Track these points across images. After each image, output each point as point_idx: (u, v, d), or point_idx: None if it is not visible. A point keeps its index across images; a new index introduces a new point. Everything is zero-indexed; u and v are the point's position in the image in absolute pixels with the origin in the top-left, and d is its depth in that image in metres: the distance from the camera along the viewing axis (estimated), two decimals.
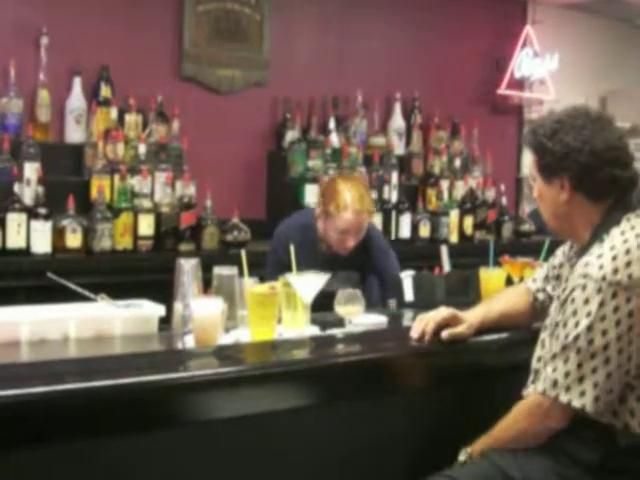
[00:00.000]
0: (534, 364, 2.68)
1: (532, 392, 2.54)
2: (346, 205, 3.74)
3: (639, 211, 2.57)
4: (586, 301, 2.39)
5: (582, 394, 2.40)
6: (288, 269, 3.05)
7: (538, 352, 2.68)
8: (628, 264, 2.39)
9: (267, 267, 3.77)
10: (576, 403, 2.40)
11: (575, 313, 2.41)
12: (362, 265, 3.98)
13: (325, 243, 3.89)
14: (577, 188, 2.55)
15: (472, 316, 2.87)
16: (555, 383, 2.43)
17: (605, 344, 2.37)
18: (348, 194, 3.76)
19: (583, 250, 2.56)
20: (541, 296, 2.93)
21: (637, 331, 2.38)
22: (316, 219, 3.92)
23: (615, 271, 2.38)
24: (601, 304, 2.37)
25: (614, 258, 2.41)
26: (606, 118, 2.60)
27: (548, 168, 2.57)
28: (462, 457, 2.59)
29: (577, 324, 2.40)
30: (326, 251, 3.89)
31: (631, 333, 2.38)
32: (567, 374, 2.41)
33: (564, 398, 2.42)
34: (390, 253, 4.15)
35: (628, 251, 2.42)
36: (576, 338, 2.39)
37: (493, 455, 2.55)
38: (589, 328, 2.38)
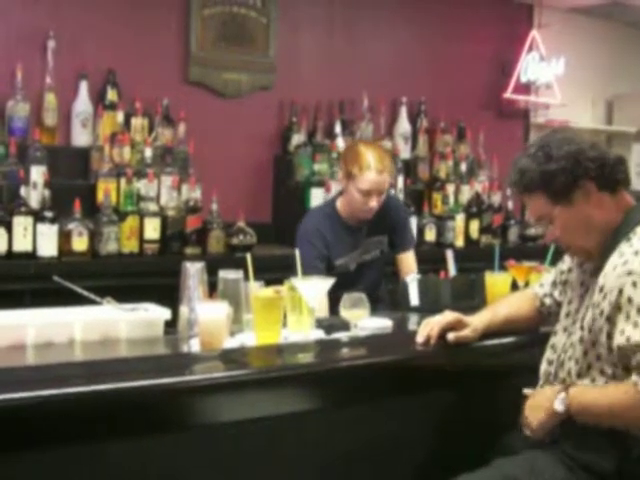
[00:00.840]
0: (544, 367, 2.68)
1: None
2: (369, 165, 3.84)
3: None
4: None
5: None
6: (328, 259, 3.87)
7: (548, 355, 2.68)
8: None
9: (304, 267, 3.57)
10: None
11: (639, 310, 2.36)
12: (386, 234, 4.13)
13: (349, 215, 4.00)
14: (600, 185, 2.51)
15: (477, 320, 2.87)
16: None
17: None
18: (370, 155, 3.86)
19: (606, 252, 2.51)
20: (548, 301, 2.91)
21: None
22: (335, 201, 4.10)
23: None
24: None
25: None
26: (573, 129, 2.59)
27: (564, 188, 2.51)
28: (559, 407, 2.47)
29: None
30: (353, 225, 4.02)
31: None
32: None
33: None
34: (409, 228, 4.43)
35: None
36: None
37: (507, 465, 2.52)
38: None
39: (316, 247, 3.91)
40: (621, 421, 2.42)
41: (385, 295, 4.14)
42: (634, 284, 2.36)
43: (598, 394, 2.48)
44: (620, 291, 2.39)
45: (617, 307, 2.40)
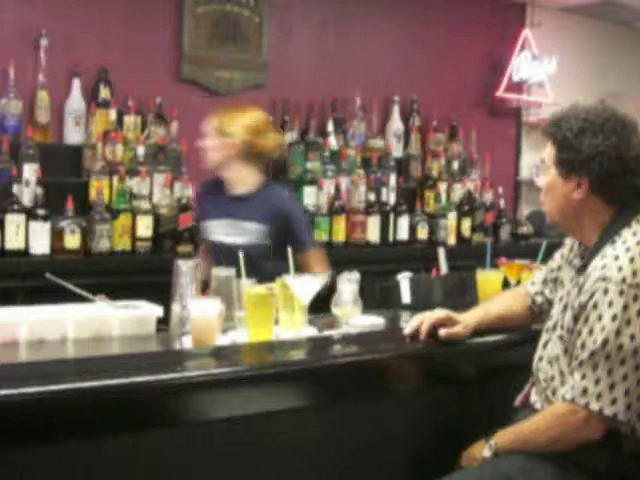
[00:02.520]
0: (535, 364, 2.69)
1: (560, 400, 2.49)
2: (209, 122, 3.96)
3: None
4: (610, 304, 2.37)
5: (613, 402, 2.37)
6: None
7: (539, 353, 2.69)
8: None
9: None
10: (607, 411, 2.37)
11: (600, 318, 2.39)
12: (264, 219, 3.90)
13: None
14: (595, 191, 2.53)
15: (469, 317, 2.87)
16: (585, 391, 2.40)
17: (634, 349, 2.35)
18: (217, 117, 3.95)
19: (592, 252, 2.54)
20: (539, 299, 2.92)
21: None
22: None
23: (634, 274, 2.38)
24: (625, 307, 2.36)
25: (632, 260, 2.40)
26: (632, 124, 2.55)
27: (568, 164, 2.53)
28: (486, 453, 2.55)
29: (603, 329, 2.37)
30: (233, 195, 3.99)
31: None
32: (597, 381, 2.38)
33: (595, 406, 2.38)
34: (299, 226, 3.99)
35: None
36: (604, 343, 2.37)
37: (499, 463, 2.52)
38: (617, 332, 2.36)
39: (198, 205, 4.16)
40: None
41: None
42: (605, 291, 2.39)
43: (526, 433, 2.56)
44: (591, 295, 2.42)
45: (583, 308, 2.44)
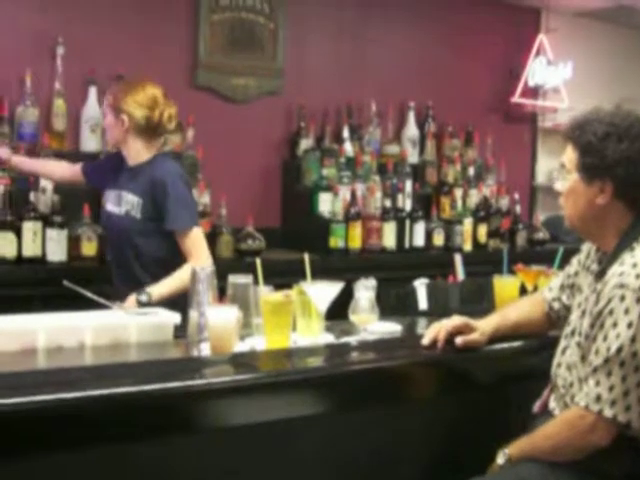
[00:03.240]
0: (553, 370, 2.68)
1: (574, 406, 2.49)
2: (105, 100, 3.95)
3: None
4: (626, 311, 2.37)
5: (627, 408, 2.37)
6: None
7: (558, 359, 2.68)
8: None
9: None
10: (621, 418, 2.37)
11: (615, 324, 2.38)
12: (142, 191, 3.77)
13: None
14: (618, 196, 2.52)
15: (486, 324, 2.87)
16: (599, 397, 2.39)
17: None
18: (111, 93, 3.92)
19: (610, 258, 2.54)
20: (556, 305, 2.91)
21: None
22: None
23: None
24: None
25: None
26: None
27: (592, 169, 2.52)
28: (500, 460, 2.55)
29: (618, 335, 2.37)
30: (125, 166, 3.93)
31: None
32: (611, 388, 2.38)
33: (609, 413, 2.38)
34: (175, 204, 3.71)
35: None
36: (619, 350, 2.36)
37: (519, 469, 2.51)
38: (632, 340, 2.35)
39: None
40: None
41: None
42: (622, 298, 2.38)
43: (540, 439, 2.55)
44: (608, 301, 2.42)
45: (600, 314, 2.44)
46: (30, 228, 4.33)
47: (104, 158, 4.43)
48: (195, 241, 3.69)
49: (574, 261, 2.86)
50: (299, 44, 5.84)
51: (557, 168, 2.74)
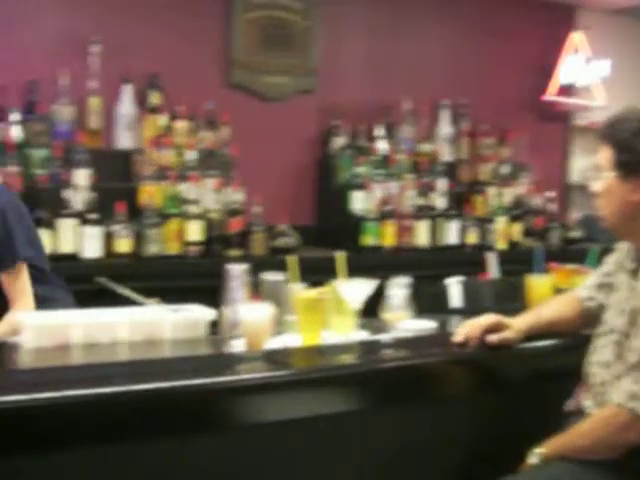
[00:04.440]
0: (586, 369, 2.67)
1: (609, 404, 2.48)
2: None
3: None
4: None
5: None
6: None
7: (591, 357, 2.67)
8: None
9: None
10: None
11: None
12: None
13: None
14: None
15: (520, 322, 2.85)
16: (634, 395, 2.39)
17: None
18: None
19: None
20: (591, 304, 2.88)
21: None
22: None
23: None
24: None
25: None
26: None
27: (627, 166, 2.51)
28: (534, 459, 2.54)
29: None
30: None
31: None
32: None
33: None
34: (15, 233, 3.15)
35: None
36: None
37: (552, 467, 2.51)
38: None
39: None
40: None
41: None
42: None
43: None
44: None
45: (637, 312, 2.44)
46: (66, 225, 4.36)
47: None
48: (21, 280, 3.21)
49: (610, 260, 2.85)
50: (333, 42, 5.85)
51: (592, 168, 2.73)
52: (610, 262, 2.84)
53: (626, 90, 7.06)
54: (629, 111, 2.57)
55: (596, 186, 2.63)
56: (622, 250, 2.77)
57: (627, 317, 2.50)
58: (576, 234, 6.34)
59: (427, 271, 4.27)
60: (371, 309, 3.08)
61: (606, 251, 2.94)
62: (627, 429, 2.41)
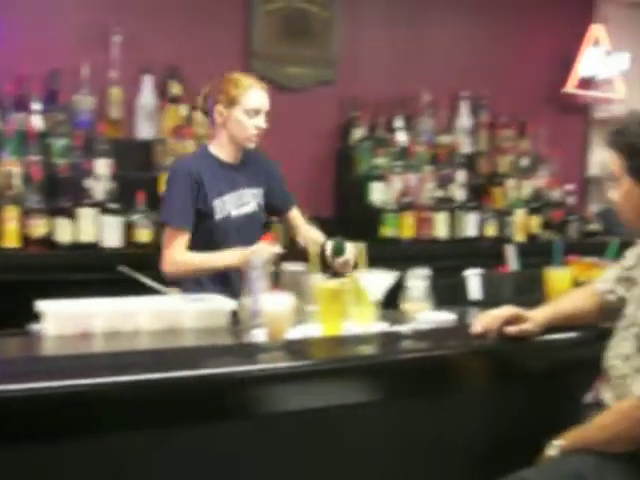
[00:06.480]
0: (606, 362, 2.68)
1: (629, 397, 2.49)
2: (251, 84, 3.75)
3: None
4: None
5: None
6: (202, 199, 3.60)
7: (611, 350, 2.67)
8: None
9: (169, 212, 3.68)
10: None
11: None
12: (261, 188, 3.94)
13: (228, 153, 3.80)
14: None
15: (538, 314, 2.85)
16: None
17: None
18: (247, 77, 3.80)
19: None
20: (611, 297, 2.88)
21: None
22: (206, 148, 3.83)
23: None
24: None
25: None
26: None
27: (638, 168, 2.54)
28: (553, 451, 2.54)
29: None
30: (229, 163, 3.80)
31: None
32: None
33: None
34: (286, 182, 4.16)
35: None
36: None
37: (573, 460, 2.50)
38: None
39: (185, 189, 3.62)
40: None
41: None
42: None
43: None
44: None
45: None
46: (86, 214, 4.39)
47: (184, 182, 3.67)
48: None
49: (630, 254, 2.84)
50: (353, 33, 5.84)
51: (608, 178, 2.74)
52: (631, 256, 2.84)
53: None
54: (631, 116, 2.61)
55: (614, 195, 2.64)
56: None
57: None
58: (595, 227, 6.33)
59: (446, 263, 4.26)
60: (391, 300, 3.09)
61: (625, 244, 2.94)
62: None
